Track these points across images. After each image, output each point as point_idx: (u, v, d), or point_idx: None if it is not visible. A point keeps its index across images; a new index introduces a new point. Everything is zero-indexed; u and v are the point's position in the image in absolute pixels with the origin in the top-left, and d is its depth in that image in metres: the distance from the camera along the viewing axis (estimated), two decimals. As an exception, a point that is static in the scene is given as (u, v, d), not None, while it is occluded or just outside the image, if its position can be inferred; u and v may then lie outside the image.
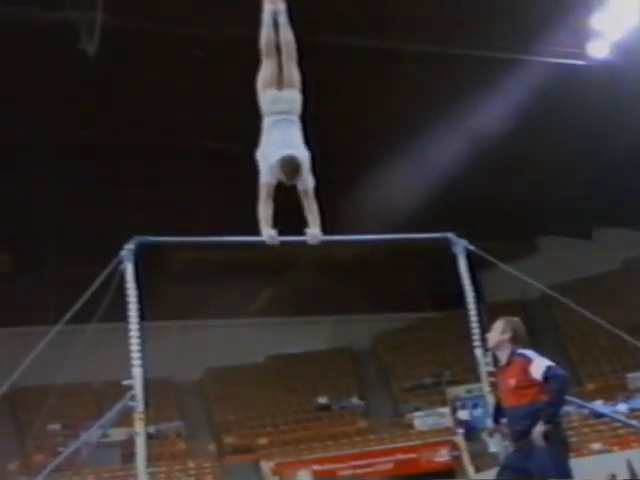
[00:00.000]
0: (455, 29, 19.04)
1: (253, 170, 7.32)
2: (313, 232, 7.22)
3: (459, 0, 18.96)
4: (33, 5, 16.65)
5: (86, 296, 7.13)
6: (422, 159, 22.47)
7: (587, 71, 19.81)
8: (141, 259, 7.12)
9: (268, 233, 7.05)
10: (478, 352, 7.86)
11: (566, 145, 23.09)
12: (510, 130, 20.78)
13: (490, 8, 18.60)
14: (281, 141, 7.14)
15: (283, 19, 7.59)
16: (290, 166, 7.00)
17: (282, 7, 7.65)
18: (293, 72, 7.49)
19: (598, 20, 19.06)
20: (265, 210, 7.08)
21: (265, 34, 7.55)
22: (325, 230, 7.30)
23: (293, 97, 7.42)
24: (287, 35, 7.57)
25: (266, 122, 7.31)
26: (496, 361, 6.70)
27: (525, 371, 6.05)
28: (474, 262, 8.23)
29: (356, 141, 23.66)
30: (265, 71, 7.46)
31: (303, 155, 7.13)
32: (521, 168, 24.58)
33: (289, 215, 7.09)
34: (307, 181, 7.21)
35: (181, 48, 19.38)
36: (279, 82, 7.42)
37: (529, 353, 6.16)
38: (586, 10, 18.89)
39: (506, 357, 6.26)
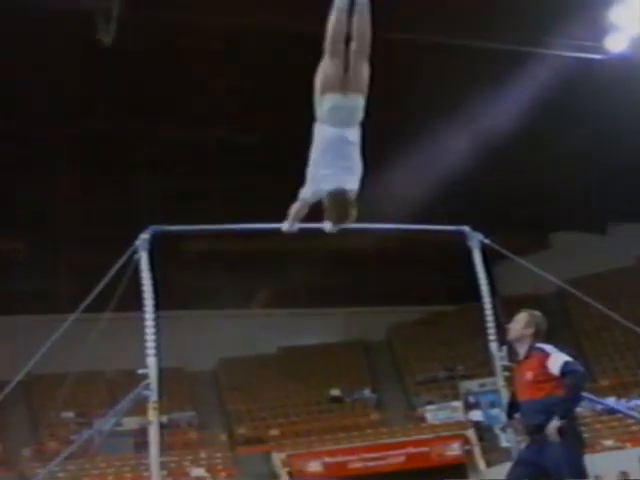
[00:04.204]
0: (473, 22, 18.93)
1: (268, 160, 7.30)
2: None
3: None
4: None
5: (101, 285, 7.15)
6: (437, 152, 22.36)
7: (605, 65, 19.69)
8: (156, 248, 7.12)
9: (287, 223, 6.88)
10: (493, 346, 7.83)
11: (582, 139, 22.94)
12: (526, 123, 20.69)
13: (507, 0, 18.49)
14: (335, 167, 6.00)
15: (364, 1, 5.74)
16: (341, 204, 5.92)
17: None
18: (363, 73, 5.97)
19: (617, 14, 18.94)
20: (297, 210, 6.48)
21: (336, 21, 5.72)
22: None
23: (357, 104, 6.04)
24: (364, 24, 5.79)
25: (320, 133, 6.01)
26: (512, 354, 6.67)
27: (542, 365, 6.01)
28: (488, 256, 8.21)
29: (370, 133, 23.52)
30: (329, 70, 5.84)
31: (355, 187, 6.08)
32: (536, 162, 24.45)
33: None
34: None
35: (197, 38, 19.35)
36: (344, 85, 5.87)
37: (547, 347, 6.13)
38: (605, 4, 18.77)
39: (525, 351, 6.23)
